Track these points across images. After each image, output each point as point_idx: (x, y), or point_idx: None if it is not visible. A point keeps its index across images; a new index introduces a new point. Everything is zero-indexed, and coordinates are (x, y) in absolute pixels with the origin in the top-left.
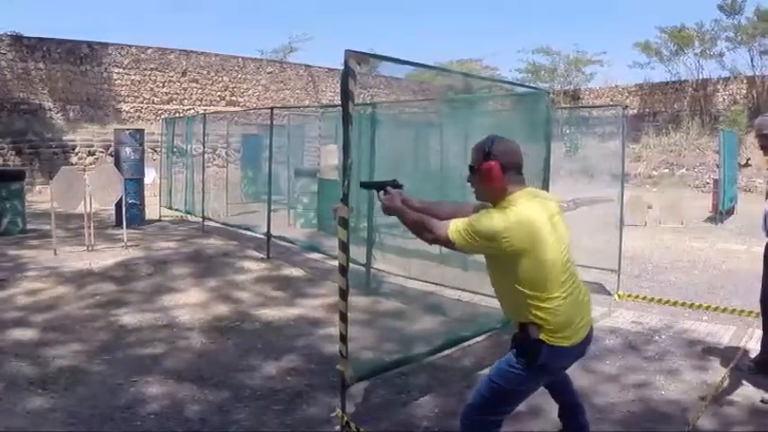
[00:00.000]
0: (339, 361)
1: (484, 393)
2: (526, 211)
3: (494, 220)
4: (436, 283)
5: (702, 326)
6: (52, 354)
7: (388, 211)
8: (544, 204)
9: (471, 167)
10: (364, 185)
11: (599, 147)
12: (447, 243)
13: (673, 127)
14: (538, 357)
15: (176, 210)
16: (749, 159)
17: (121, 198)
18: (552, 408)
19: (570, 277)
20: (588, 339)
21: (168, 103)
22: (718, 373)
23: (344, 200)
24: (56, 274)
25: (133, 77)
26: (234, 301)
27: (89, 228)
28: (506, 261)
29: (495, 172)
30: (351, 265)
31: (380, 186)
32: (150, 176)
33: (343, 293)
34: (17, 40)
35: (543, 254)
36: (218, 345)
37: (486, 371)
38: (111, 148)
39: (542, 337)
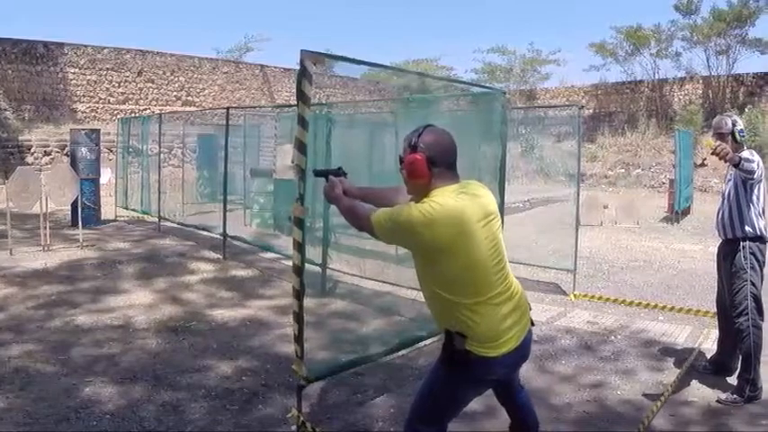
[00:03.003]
0: (294, 361)
1: (420, 404)
2: (448, 207)
3: (413, 213)
4: (392, 284)
5: (658, 326)
6: (7, 354)
7: (327, 198)
8: (474, 202)
9: (400, 158)
10: (317, 173)
11: (555, 147)
12: (371, 231)
13: (629, 127)
14: (466, 369)
15: (132, 210)
16: (705, 159)
17: (77, 198)
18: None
19: (500, 282)
20: (525, 345)
21: (124, 103)
22: (673, 373)
23: (300, 200)
24: (11, 274)
25: (89, 77)
26: (189, 301)
27: (45, 228)
28: (427, 259)
29: (418, 165)
30: (306, 265)
31: (327, 174)
32: (106, 176)
33: (299, 294)
34: None
35: (464, 255)
36: (173, 345)
37: None
38: (67, 148)
39: (468, 347)
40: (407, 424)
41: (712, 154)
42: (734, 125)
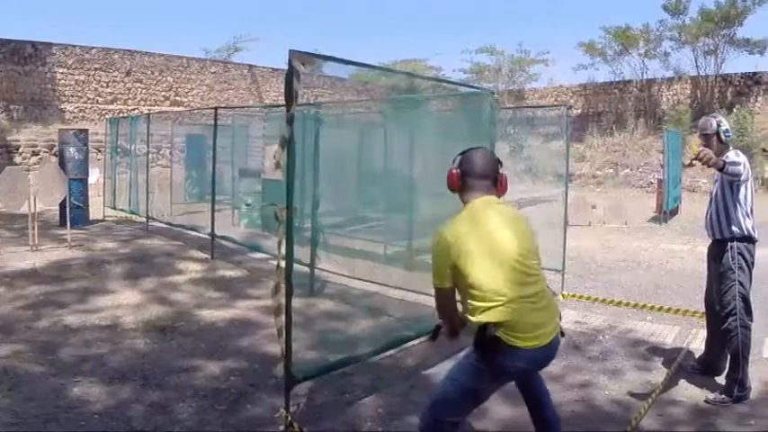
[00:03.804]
0: (281, 361)
1: (444, 391)
2: (470, 214)
3: (434, 250)
4: (380, 284)
5: (646, 326)
6: None
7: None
8: (498, 210)
9: None
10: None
11: (543, 147)
12: (438, 291)
13: (617, 127)
14: (493, 356)
15: (120, 210)
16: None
17: (66, 198)
18: (496, 407)
19: (525, 280)
20: (551, 347)
21: (112, 103)
22: (661, 373)
23: (288, 200)
24: None
25: (77, 77)
26: (177, 301)
27: (33, 228)
28: (459, 269)
29: (451, 178)
30: (294, 265)
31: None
32: (94, 176)
33: (287, 294)
34: None
35: (486, 255)
36: (162, 345)
37: (432, 370)
38: (56, 148)
39: (499, 333)
40: (428, 410)
41: (695, 159)
42: (719, 126)
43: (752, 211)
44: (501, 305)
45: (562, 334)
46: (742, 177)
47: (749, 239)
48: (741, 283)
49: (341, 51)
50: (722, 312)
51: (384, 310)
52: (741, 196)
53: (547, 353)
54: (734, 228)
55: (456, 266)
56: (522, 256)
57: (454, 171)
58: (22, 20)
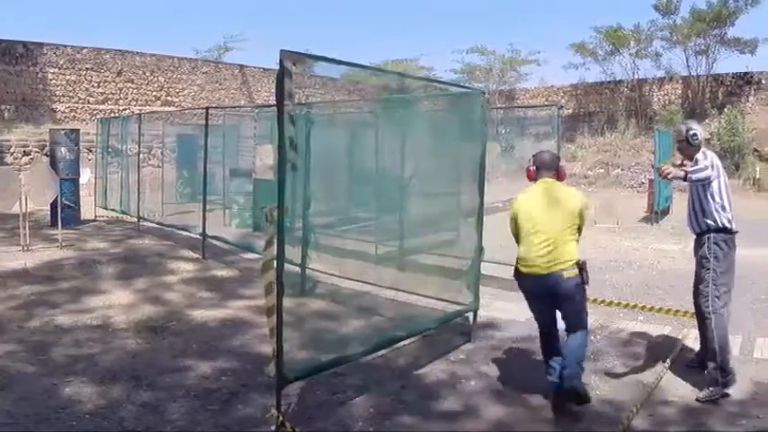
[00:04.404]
0: (272, 361)
1: None
2: (524, 193)
3: (511, 202)
4: (372, 284)
5: (638, 326)
6: None
7: None
8: (544, 188)
9: None
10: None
11: (534, 147)
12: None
13: (608, 127)
14: (517, 277)
15: (112, 209)
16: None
17: (57, 198)
18: (487, 409)
19: (538, 235)
20: (547, 279)
21: (103, 103)
22: (652, 372)
23: (279, 200)
24: None
25: (68, 77)
26: (168, 301)
27: (24, 228)
28: (516, 216)
29: (528, 172)
30: (285, 265)
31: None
32: (86, 176)
33: (278, 294)
34: None
35: (520, 217)
36: (153, 345)
37: (423, 370)
38: (47, 148)
39: (517, 265)
40: None
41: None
42: (687, 132)
43: (729, 204)
44: (521, 244)
45: (584, 282)
46: (711, 177)
47: (725, 231)
48: (715, 271)
49: (332, 51)
50: (697, 300)
51: (375, 310)
52: (714, 192)
53: (544, 281)
54: (709, 221)
55: (517, 218)
56: (544, 216)
57: (531, 168)
58: (13, 20)
